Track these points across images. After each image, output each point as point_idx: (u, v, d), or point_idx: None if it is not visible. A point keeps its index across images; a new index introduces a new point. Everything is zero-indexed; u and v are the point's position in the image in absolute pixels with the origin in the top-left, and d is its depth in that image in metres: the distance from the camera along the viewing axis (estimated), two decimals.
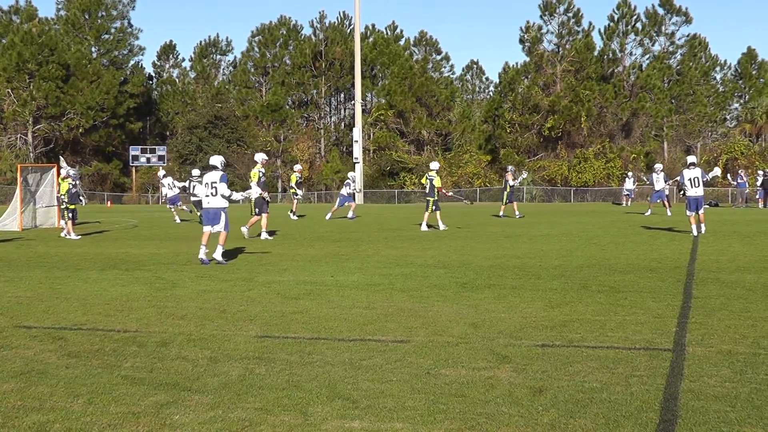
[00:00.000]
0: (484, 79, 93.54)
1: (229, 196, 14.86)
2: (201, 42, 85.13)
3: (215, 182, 14.60)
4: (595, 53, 67.67)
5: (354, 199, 31.75)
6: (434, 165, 24.45)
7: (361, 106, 64.69)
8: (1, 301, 9.83)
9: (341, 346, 7.03)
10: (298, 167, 31.52)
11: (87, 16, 74.76)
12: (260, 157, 20.48)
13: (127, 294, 10.39)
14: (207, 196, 14.73)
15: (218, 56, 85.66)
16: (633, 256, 14.55)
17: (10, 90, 66.17)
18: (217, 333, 7.65)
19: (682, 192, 21.24)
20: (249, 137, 72.68)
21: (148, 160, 70.42)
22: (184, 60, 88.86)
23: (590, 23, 74.60)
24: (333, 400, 5.33)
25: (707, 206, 41.78)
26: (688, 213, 19.88)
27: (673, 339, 7.11)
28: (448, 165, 64.94)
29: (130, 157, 70.77)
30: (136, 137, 77.24)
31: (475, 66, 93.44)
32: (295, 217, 29.98)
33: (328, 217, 29.54)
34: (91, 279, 12.07)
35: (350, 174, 32.61)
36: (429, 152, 68.32)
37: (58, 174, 25.64)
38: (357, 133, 60.90)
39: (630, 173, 48.18)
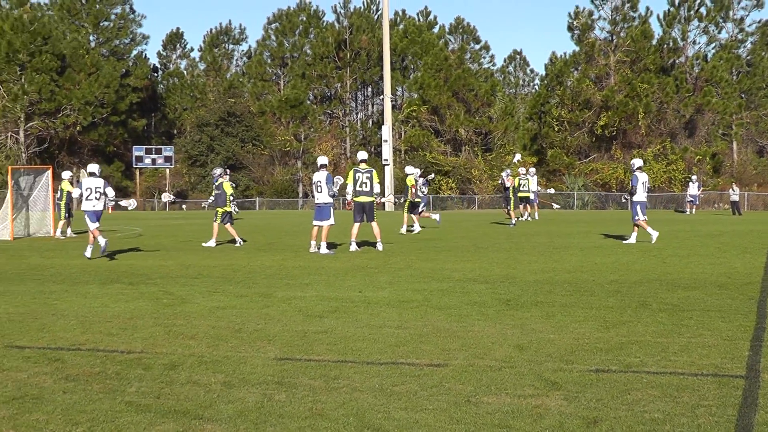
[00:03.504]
0: (528, 72, 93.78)
1: (333, 195, 18.86)
2: (211, 30, 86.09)
3: (321, 181, 18.73)
4: (654, 42, 67.37)
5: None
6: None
7: (391, 101, 64.74)
8: None
9: (370, 370, 7.04)
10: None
11: (84, 1, 75.41)
12: (362, 155, 20.85)
13: (131, 311, 10.45)
14: (315, 193, 18.87)
15: (231, 46, 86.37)
16: (699, 270, 14.45)
17: None
18: (231, 354, 7.68)
19: (628, 197, 21.69)
20: (266, 136, 73.01)
21: (154, 161, 70.64)
22: (192, 50, 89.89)
23: (647, 8, 74.49)
24: (361, 431, 5.33)
25: None
26: (643, 218, 21.37)
27: (745, 364, 7.06)
28: (489, 168, 64.85)
29: (134, 158, 71.15)
30: (140, 136, 77.85)
31: (518, 56, 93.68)
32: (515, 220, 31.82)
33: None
34: (91, 294, 12.16)
35: None
36: (467, 153, 68.26)
37: (54, 177, 25.91)
38: (386, 131, 60.95)
39: (694, 177, 47.97)
